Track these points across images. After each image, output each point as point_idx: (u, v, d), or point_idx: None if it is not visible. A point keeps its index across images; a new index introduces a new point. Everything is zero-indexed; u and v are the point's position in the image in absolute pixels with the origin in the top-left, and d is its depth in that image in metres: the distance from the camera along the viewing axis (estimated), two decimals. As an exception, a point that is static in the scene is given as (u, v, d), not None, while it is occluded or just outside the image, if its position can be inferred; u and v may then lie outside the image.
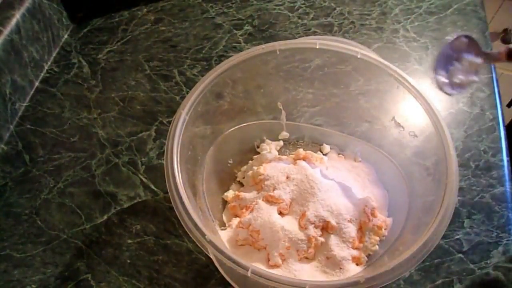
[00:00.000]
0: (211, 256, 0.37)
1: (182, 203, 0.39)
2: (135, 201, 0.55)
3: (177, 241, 0.51)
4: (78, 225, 0.53)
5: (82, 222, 0.53)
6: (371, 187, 0.52)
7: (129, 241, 0.51)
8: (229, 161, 0.55)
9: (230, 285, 0.41)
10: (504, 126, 0.58)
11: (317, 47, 0.48)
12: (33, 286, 0.49)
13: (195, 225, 0.38)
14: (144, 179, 0.57)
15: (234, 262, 0.36)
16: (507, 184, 0.53)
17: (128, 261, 0.50)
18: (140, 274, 0.48)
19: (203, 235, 0.37)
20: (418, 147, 0.49)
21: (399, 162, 0.51)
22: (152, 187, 0.56)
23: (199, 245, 0.38)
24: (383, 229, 0.48)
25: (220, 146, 0.53)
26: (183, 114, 0.44)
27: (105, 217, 0.53)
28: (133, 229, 0.52)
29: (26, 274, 0.49)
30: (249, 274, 0.35)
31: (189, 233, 0.38)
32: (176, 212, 0.39)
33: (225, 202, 0.52)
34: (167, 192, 0.54)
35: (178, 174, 0.41)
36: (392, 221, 0.49)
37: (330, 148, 0.57)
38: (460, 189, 0.52)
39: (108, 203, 0.55)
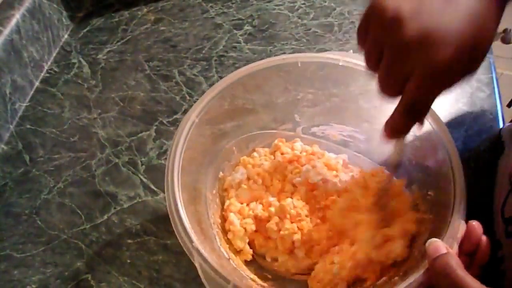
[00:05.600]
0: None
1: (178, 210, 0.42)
2: (135, 201, 0.55)
3: (177, 241, 0.50)
4: (78, 225, 0.53)
5: (82, 222, 0.53)
6: None
7: (129, 241, 0.51)
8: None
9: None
10: (504, 126, 0.58)
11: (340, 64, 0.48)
12: (33, 286, 0.49)
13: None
14: (144, 179, 0.57)
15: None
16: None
17: (128, 261, 0.50)
18: (140, 274, 0.48)
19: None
20: (417, 147, 0.49)
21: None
22: (152, 187, 0.56)
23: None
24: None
25: (226, 154, 0.53)
26: (192, 117, 0.45)
27: (105, 217, 0.53)
28: (133, 229, 0.52)
29: (26, 274, 0.49)
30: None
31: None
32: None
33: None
34: (167, 192, 0.55)
35: (178, 180, 0.42)
36: None
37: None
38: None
39: (108, 203, 0.55)
